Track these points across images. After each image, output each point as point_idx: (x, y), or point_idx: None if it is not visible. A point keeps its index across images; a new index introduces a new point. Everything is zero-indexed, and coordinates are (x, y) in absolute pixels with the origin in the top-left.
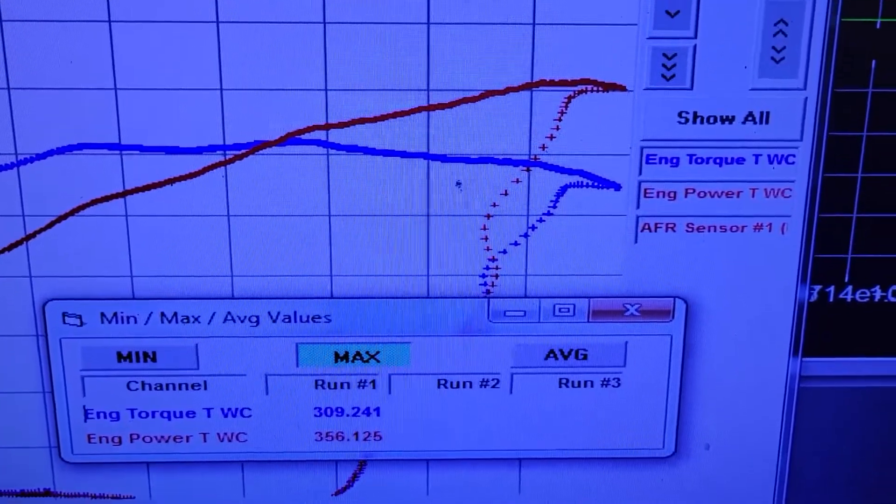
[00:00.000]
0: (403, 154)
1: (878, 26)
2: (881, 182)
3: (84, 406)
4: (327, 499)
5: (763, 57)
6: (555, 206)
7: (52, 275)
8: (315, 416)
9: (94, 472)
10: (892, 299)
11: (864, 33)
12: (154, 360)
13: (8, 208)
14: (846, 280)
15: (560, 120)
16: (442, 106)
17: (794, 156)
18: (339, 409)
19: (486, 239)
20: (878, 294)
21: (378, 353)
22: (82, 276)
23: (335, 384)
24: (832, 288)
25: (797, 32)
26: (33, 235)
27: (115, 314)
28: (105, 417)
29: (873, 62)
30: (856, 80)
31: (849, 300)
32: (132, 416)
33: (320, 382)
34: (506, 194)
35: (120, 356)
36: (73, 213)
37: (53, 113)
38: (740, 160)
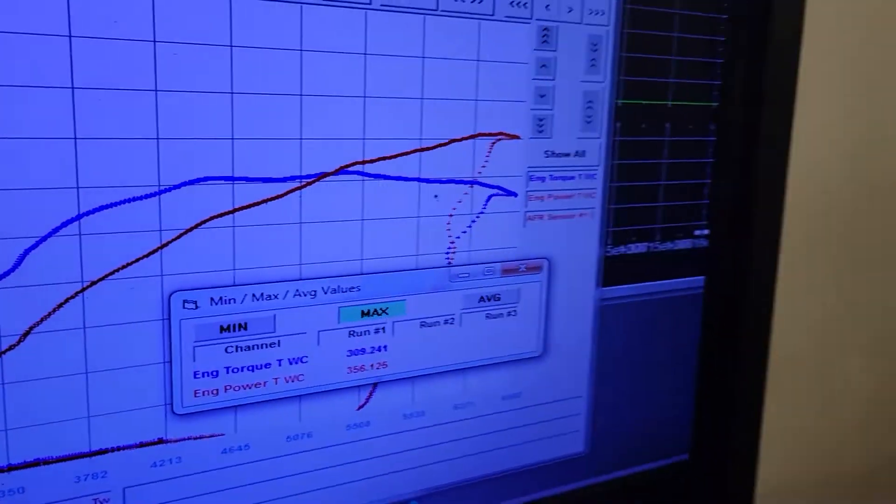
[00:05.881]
0: (405, 178)
1: (637, 106)
2: (644, 189)
3: (193, 369)
4: (353, 412)
5: (583, 121)
6: (485, 207)
7: (178, 272)
8: (347, 356)
9: (196, 419)
10: (644, 250)
11: (630, 110)
12: (245, 328)
13: (148, 225)
14: (624, 242)
15: (489, 156)
16: (427, 148)
17: (595, 174)
18: (362, 350)
19: (450, 229)
20: (640, 249)
21: (387, 308)
22: (199, 271)
23: (361, 332)
24: (618, 247)
25: (598, 107)
26: (166, 244)
27: (221, 297)
28: (208, 375)
29: (635, 124)
30: (627, 132)
31: (628, 254)
32: (227, 372)
33: (352, 332)
34: (460, 202)
35: (222, 328)
36: (196, 226)
37: (186, 156)
38: (572, 177)
